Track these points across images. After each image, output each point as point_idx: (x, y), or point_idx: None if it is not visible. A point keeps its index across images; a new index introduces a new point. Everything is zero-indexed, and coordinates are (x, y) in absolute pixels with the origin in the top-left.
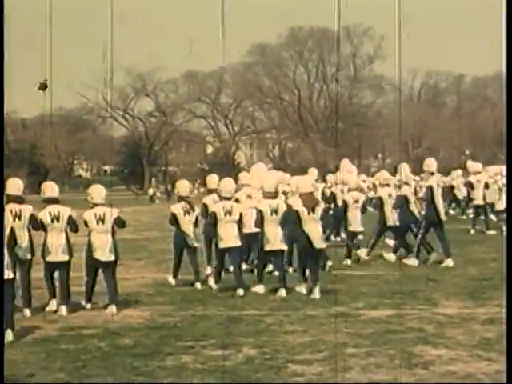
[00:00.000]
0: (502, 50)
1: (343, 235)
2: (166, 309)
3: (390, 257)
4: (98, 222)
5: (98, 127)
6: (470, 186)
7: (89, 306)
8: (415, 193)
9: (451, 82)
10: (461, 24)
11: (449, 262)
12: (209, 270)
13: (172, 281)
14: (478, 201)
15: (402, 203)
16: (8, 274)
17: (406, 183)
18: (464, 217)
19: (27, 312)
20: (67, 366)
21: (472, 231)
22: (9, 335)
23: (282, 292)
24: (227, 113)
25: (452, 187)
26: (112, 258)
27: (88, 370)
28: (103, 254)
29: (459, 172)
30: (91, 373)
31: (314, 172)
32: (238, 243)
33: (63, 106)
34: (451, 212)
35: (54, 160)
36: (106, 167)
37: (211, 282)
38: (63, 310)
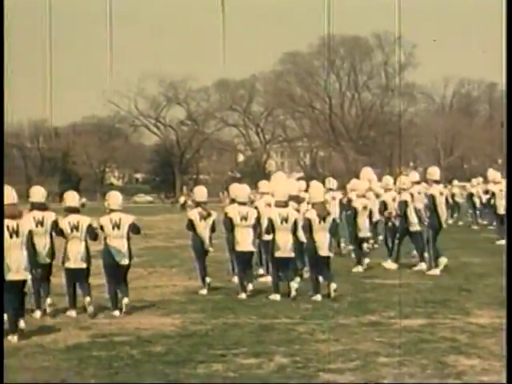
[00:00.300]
0: None
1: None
2: (198, 317)
3: (434, 271)
4: (113, 228)
5: (130, 135)
6: (492, 194)
7: (117, 312)
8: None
9: (483, 90)
10: (491, 31)
11: (422, 266)
12: (236, 279)
13: (204, 291)
14: (501, 210)
15: (404, 209)
16: (26, 276)
17: (404, 189)
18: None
19: (37, 313)
20: (99, 373)
21: (503, 241)
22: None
23: (277, 297)
24: (258, 121)
25: (471, 195)
26: (126, 262)
27: (120, 377)
28: (119, 258)
29: (480, 179)
30: (123, 380)
31: (331, 181)
32: (252, 249)
33: (95, 114)
34: (484, 222)
35: (86, 168)
36: (138, 175)
37: (241, 294)
38: (87, 300)
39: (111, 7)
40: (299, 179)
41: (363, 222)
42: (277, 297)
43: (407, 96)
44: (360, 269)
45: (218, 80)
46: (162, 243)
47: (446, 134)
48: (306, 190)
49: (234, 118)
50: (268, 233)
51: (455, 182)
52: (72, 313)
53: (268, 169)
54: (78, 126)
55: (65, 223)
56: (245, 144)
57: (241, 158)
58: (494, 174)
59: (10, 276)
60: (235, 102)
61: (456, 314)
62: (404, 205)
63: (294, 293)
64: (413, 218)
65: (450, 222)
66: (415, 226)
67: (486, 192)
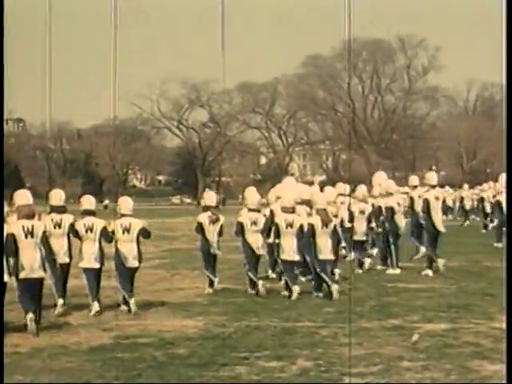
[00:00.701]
0: None
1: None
2: (220, 319)
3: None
4: (123, 232)
5: (153, 137)
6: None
7: (135, 306)
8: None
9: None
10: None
11: (428, 272)
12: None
13: (210, 290)
14: None
15: (391, 214)
16: (40, 274)
17: (391, 194)
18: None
19: (60, 309)
20: (122, 375)
21: None
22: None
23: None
24: (281, 124)
25: (482, 199)
26: (136, 264)
27: (143, 379)
28: (128, 261)
29: (491, 184)
30: (146, 382)
31: (341, 186)
32: (263, 252)
33: (117, 116)
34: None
35: (109, 170)
36: (160, 177)
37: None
38: (96, 305)
39: (116, 6)
40: (321, 182)
41: (359, 226)
42: (296, 289)
43: (430, 99)
44: (360, 271)
45: (240, 82)
46: (185, 245)
47: (468, 137)
48: None
49: (257, 120)
50: (275, 237)
51: (465, 187)
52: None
53: (290, 172)
54: (100, 128)
55: (80, 225)
56: (267, 147)
57: (263, 160)
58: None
59: (23, 274)
60: (258, 104)
61: (479, 318)
62: (391, 211)
63: (295, 295)
64: (401, 222)
65: (465, 224)
66: (402, 230)
67: (495, 197)
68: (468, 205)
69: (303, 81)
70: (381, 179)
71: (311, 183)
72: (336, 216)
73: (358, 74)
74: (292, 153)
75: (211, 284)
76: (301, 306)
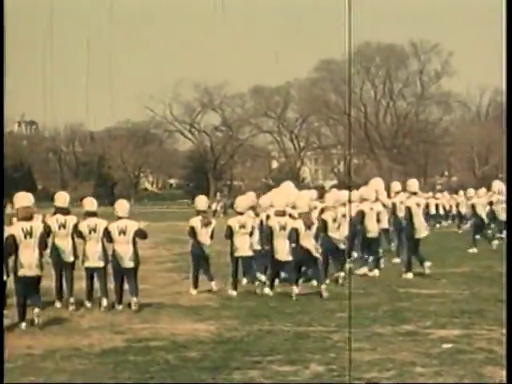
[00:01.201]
0: None
1: None
2: (232, 323)
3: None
4: (120, 234)
5: (165, 141)
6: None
7: (120, 307)
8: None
9: None
10: None
11: (409, 275)
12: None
13: (194, 291)
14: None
15: (360, 218)
16: (37, 272)
17: (365, 199)
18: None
19: (71, 307)
20: (135, 378)
21: None
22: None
23: (294, 289)
24: (293, 128)
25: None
26: (132, 265)
27: (156, 382)
28: (124, 261)
29: (484, 190)
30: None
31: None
32: (250, 253)
33: (130, 119)
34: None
35: (121, 173)
36: (172, 180)
37: (230, 290)
38: (104, 302)
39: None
40: (333, 187)
41: (343, 231)
42: (268, 291)
43: (442, 104)
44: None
45: (253, 86)
46: None
47: (481, 142)
48: (321, 197)
49: (269, 124)
50: (267, 240)
51: (461, 193)
52: (88, 304)
53: (302, 176)
54: (112, 131)
55: (84, 226)
56: (279, 151)
57: (275, 164)
58: (498, 184)
59: (22, 272)
60: (270, 108)
61: (492, 324)
62: (361, 214)
63: (293, 296)
64: (372, 225)
65: (460, 231)
66: (372, 233)
67: (490, 203)
68: (464, 211)
69: (316, 85)
70: (377, 185)
71: (322, 188)
72: (335, 220)
73: (371, 79)
74: (304, 157)
75: (196, 286)
76: (313, 311)
